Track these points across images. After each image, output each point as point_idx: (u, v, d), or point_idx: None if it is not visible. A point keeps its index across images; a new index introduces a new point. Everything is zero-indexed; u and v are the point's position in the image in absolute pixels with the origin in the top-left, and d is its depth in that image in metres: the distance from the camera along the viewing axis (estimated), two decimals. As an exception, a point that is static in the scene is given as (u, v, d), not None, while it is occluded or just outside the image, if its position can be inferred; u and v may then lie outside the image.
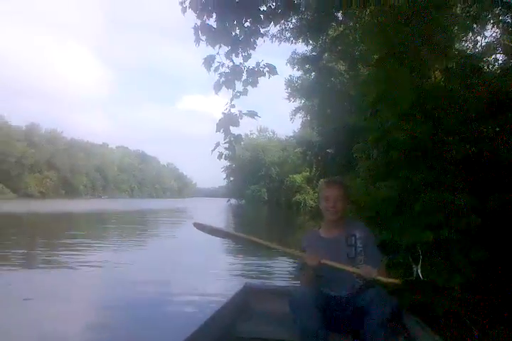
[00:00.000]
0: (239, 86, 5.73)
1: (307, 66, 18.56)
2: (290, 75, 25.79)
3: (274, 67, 5.71)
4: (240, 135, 5.84)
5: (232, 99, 5.65)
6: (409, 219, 4.75)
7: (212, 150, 5.64)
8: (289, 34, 11.99)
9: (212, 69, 5.51)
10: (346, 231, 3.21)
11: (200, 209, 63.14)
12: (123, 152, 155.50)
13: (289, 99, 27.38)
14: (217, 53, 5.56)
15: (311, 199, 61.06)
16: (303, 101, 27.72)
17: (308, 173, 50.39)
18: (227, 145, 5.79)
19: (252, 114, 5.56)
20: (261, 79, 5.68)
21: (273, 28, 8.41)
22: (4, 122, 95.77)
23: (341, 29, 11.07)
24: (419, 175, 4.73)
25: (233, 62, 5.58)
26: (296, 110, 30.49)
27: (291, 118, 32.03)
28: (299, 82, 25.39)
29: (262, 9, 5.52)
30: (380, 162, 5.28)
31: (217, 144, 5.64)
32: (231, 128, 5.75)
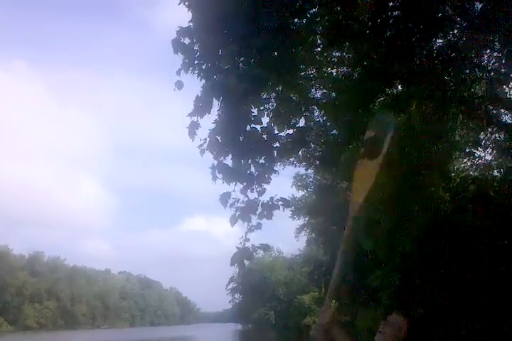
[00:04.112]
0: (254, 218, 5.98)
1: (311, 188, 19.28)
2: (293, 194, 26.38)
3: (288, 201, 6.05)
4: (250, 269, 5.99)
5: (246, 234, 5.85)
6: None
7: (227, 285, 5.76)
8: (292, 159, 12.67)
9: (228, 205, 5.84)
10: None
11: (204, 338, 59.81)
12: (125, 277, 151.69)
13: (293, 217, 27.70)
14: (233, 190, 5.92)
15: (322, 322, 57.87)
16: (307, 219, 28.01)
17: (317, 293, 48.69)
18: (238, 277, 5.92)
19: (265, 248, 5.78)
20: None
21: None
22: (7, 251, 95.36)
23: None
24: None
25: (248, 198, 5.92)
26: (301, 228, 30.58)
27: (296, 236, 32.01)
28: (303, 200, 25.94)
29: (274, 146, 6.03)
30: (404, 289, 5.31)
31: (231, 279, 5.79)
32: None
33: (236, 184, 5.81)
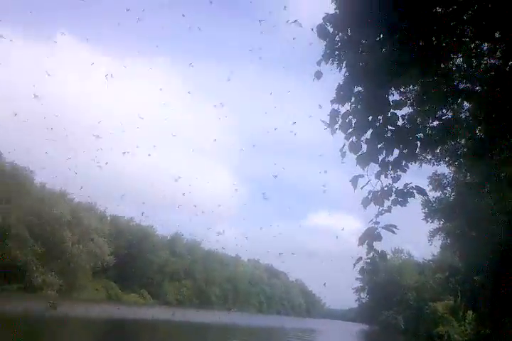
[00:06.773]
0: (387, 203, 5.93)
1: (449, 188, 18.12)
2: (427, 196, 24.99)
3: (424, 190, 5.90)
4: (384, 252, 5.90)
5: (377, 216, 5.84)
6: None
7: (355, 264, 5.81)
8: (429, 156, 12.05)
9: (360, 187, 5.86)
10: None
11: (329, 335, 60.11)
12: (254, 265, 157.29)
13: (426, 219, 26.33)
14: (366, 174, 5.92)
15: (457, 333, 54.42)
16: (442, 222, 26.48)
17: (452, 302, 45.75)
18: (369, 260, 5.88)
19: (391, 229, 5.66)
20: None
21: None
22: (152, 232, 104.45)
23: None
24: None
25: (381, 182, 5.88)
26: (435, 231, 29.00)
27: (430, 240, 30.37)
28: (438, 202, 24.48)
29: (418, 136, 5.87)
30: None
31: (359, 259, 5.80)
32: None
33: (368, 168, 5.81)
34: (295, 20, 9.87)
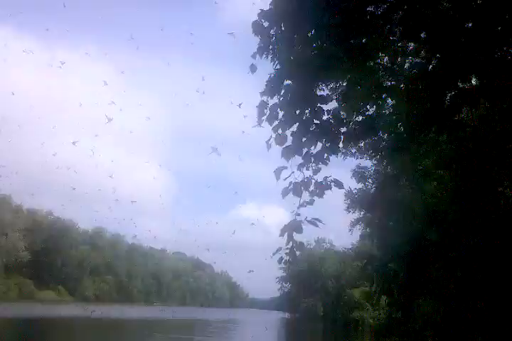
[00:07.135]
0: (305, 195, 6.15)
1: (370, 180, 19.01)
2: (350, 187, 26.03)
3: (341, 183, 6.19)
4: (302, 243, 6.13)
5: (298, 208, 6.06)
6: None
7: (274, 254, 6.03)
8: (354, 150, 12.61)
9: (283, 178, 6.05)
10: None
11: (251, 323, 61.14)
12: (179, 258, 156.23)
13: (348, 210, 27.37)
14: (290, 166, 6.11)
15: (371, 318, 57.44)
16: (362, 212, 27.64)
17: (367, 288, 48.21)
18: (288, 250, 6.09)
19: (315, 223, 5.89)
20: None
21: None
22: (72, 226, 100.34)
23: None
24: None
25: (303, 174, 6.12)
26: (356, 222, 30.18)
27: (350, 230, 31.62)
28: (359, 193, 25.57)
29: (342, 131, 6.12)
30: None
31: (279, 249, 6.01)
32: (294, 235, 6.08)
33: (293, 160, 6.02)
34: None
